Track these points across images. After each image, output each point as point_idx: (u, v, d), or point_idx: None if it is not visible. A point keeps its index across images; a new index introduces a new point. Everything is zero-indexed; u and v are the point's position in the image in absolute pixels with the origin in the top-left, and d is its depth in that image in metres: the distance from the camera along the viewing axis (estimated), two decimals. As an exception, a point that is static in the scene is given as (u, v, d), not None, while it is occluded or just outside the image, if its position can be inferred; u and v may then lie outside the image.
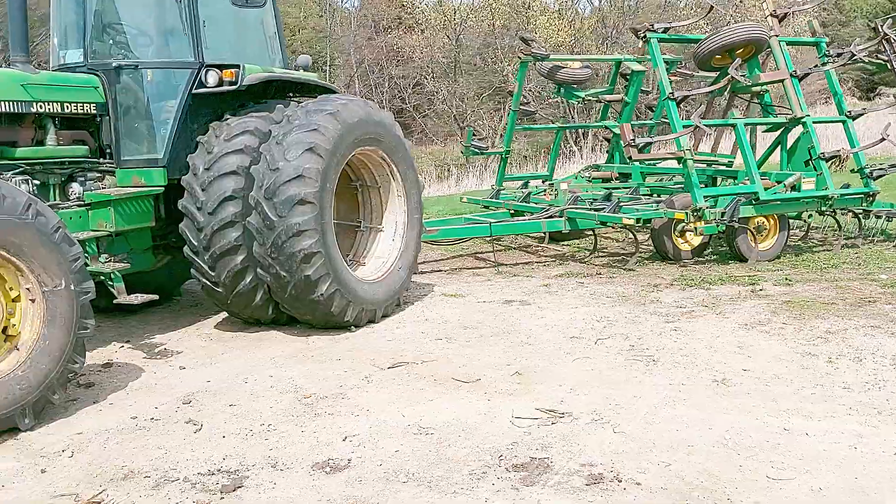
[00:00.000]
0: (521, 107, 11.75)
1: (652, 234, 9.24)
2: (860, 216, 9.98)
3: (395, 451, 4.30)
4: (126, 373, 5.90)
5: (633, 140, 8.46)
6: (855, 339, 5.89)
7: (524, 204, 10.17)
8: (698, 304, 7.17)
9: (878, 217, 10.16)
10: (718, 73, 9.29)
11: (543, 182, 11.96)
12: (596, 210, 9.29)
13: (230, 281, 6.47)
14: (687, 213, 8.54)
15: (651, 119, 12.20)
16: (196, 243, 6.42)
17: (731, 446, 4.19)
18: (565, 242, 10.99)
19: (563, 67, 11.16)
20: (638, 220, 8.56)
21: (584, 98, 11.40)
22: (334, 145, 6.44)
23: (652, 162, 10.08)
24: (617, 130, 11.57)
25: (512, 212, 10.29)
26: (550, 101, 29.73)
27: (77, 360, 5.07)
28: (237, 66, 6.57)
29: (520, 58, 10.99)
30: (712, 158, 11.40)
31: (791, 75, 9.30)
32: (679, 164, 8.95)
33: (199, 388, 5.49)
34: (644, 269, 8.88)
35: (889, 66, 10.11)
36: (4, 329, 4.88)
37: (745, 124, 9.20)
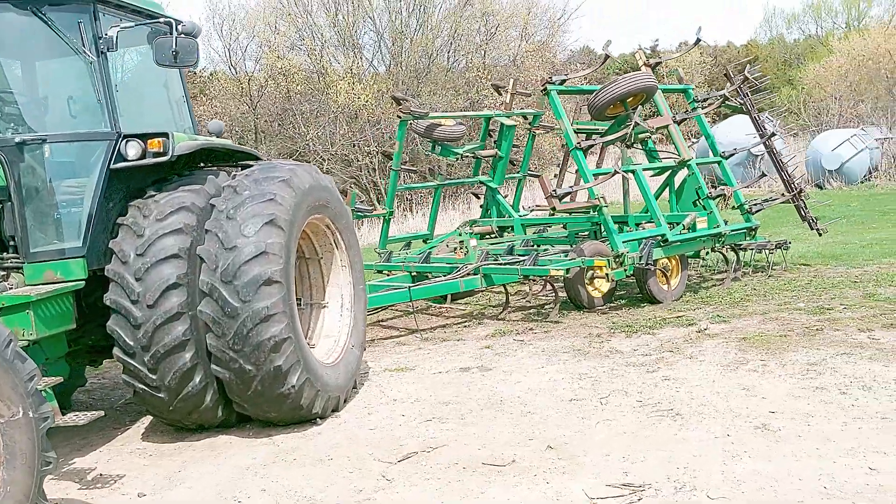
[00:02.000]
0: (402, 166, 11.39)
1: (566, 284, 9.15)
2: (738, 251, 10.52)
3: (497, 560, 3.70)
4: (74, 512, 4.79)
5: (555, 191, 8.37)
6: (842, 368, 6.02)
7: (427, 265, 9.74)
8: (659, 349, 7.09)
9: (745, 251, 10.79)
10: (613, 121, 9.49)
11: (425, 241, 11.62)
12: (510, 264, 9.07)
13: (176, 383, 5.51)
14: (609, 260, 8.55)
15: (518, 173, 12.30)
16: (132, 343, 5.41)
17: (839, 496, 4.01)
18: (462, 301, 10.66)
19: (440, 125, 10.98)
20: (567, 271, 8.44)
21: (462, 154, 11.26)
22: (292, 215, 5.74)
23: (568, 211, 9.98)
24: (492, 185, 11.52)
25: (414, 274, 9.83)
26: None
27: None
28: (164, 135, 5.70)
29: (399, 116, 10.67)
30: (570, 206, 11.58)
31: (672, 120, 9.69)
32: (594, 212, 9.00)
33: (186, 518, 4.54)
34: (569, 321, 8.74)
35: (744, 109, 10.86)
36: (-53, 481, 3.76)
37: (642, 169, 9.42)
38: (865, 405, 5.20)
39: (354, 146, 32.72)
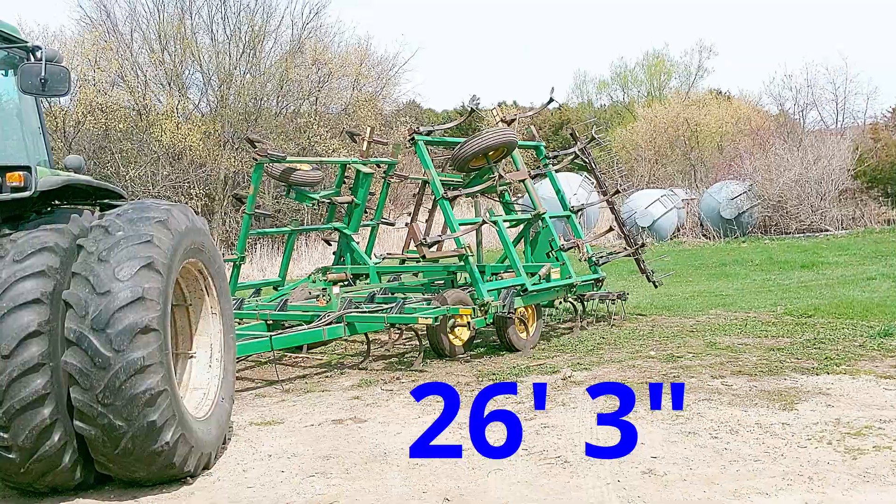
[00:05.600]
0: (256, 210, 11.03)
1: (428, 332, 9.13)
2: (584, 301, 10.97)
3: None
4: None
5: (425, 239, 8.39)
6: (707, 413, 6.37)
7: (286, 313, 9.42)
8: (531, 397, 7.19)
9: (589, 300, 11.28)
10: (475, 173, 9.69)
11: (275, 288, 11.29)
12: (374, 312, 8.96)
13: (32, 442, 4.95)
14: (474, 309, 8.64)
15: (372, 220, 12.28)
16: (-20, 399, 4.82)
17: (736, 536, 4.19)
18: (318, 350, 10.38)
19: (297, 170, 10.78)
20: (436, 319, 8.43)
21: (318, 200, 11.09)
22: (170, 259, 5.37)
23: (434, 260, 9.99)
24: (348, 231, 11.42)
25: (269, 322, 9.47)
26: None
27: None
28: (26, 169, 5.20)
29: (255, 159, 10.35)
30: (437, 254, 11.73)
31: (528, 175, 10.05)
32: (460, 260, 9.09)
33: None
34: (433, 369, 8.71)
35: (588, 167, 11.45)
36: None
37: (498, 220, 9.64)
38: (737, 449, 5.51)
39: (177, 189, 31.44)
